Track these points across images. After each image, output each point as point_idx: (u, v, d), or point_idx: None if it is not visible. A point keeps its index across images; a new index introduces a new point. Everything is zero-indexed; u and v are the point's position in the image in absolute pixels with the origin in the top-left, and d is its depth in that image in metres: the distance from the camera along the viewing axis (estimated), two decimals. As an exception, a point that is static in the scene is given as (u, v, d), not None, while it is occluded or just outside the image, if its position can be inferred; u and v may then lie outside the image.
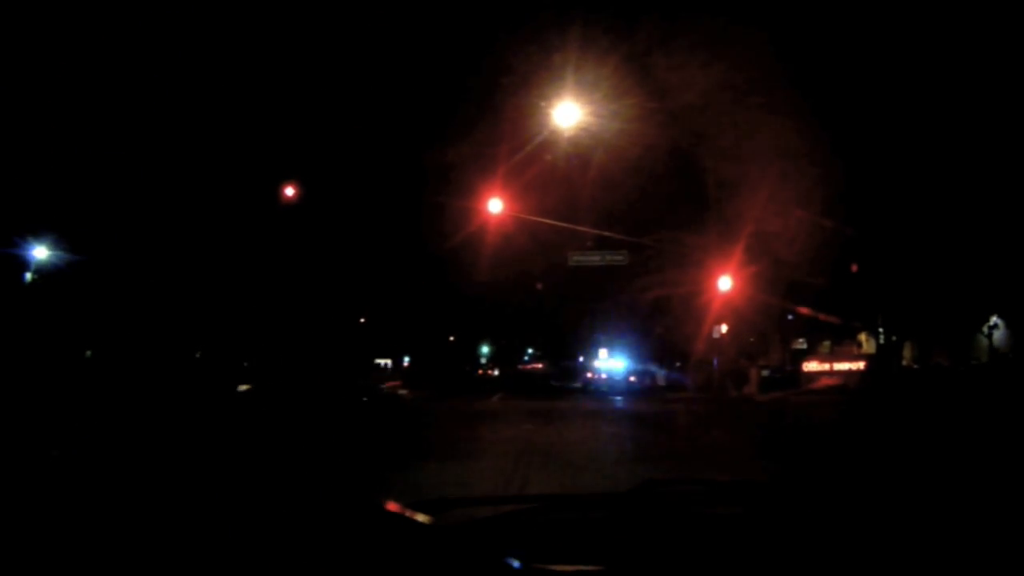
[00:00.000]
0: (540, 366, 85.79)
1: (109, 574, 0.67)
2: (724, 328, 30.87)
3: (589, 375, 49.55)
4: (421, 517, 0.97)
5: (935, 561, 1.56)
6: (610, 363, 46.56)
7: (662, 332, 36.38)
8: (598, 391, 38.22)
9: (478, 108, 25.29)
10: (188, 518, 0.78)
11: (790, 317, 32.61)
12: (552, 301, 46.24)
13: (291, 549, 0.74)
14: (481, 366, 76.84)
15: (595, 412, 20.24)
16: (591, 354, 53.92)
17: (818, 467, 7.58)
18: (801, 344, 37.26)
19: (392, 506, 0.94)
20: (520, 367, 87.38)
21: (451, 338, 63.16)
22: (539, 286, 32.65)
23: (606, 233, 25.58)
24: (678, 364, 39.06)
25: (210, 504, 0.82)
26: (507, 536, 1.67)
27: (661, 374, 40.83)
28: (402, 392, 30.64)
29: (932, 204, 23.92)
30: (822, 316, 28.40)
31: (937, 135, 22.62)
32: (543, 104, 19.97)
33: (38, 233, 24.69)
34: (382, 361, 31.89)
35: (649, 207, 25.73)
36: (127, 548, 0.68)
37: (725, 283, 26.08)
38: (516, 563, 1.05)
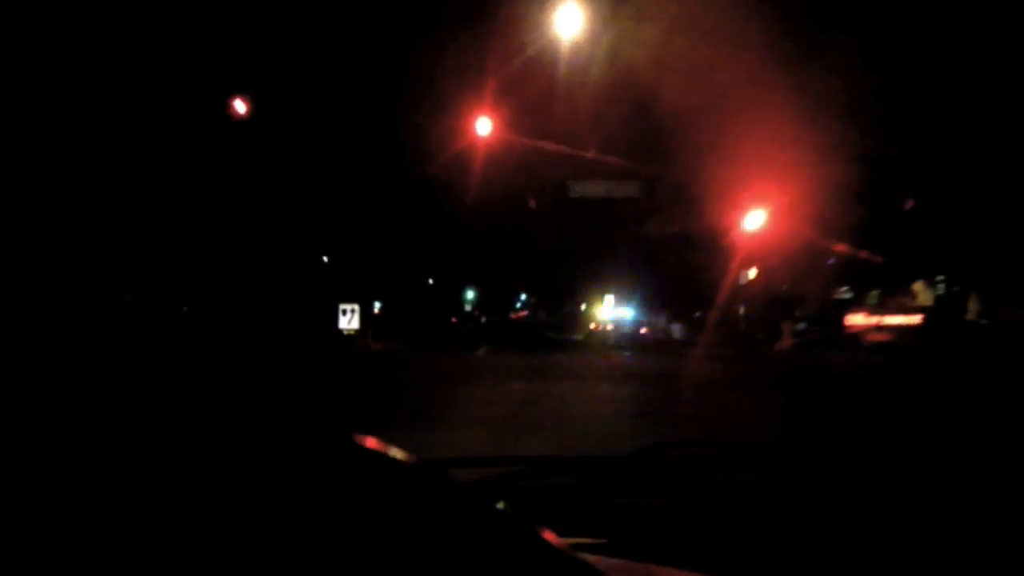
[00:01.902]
0: (535, 314, 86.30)
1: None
2: (752, 273, 30.83)
3: (592, 326, 50.00)
4: (399, 453, 0.91)
5: (954, 539, 1.65)
6: (617, 312, 46.99)
7: (678, 276, 36.43)
8: (602, 344, 38.17)
9: (466, 9, 24.63)
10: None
11: (831, 261, 32.32)
12: (550, 240, 45.95)
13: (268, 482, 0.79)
14: (464, 314, 76.93)
15: (598, 369, 20.52)
16: (594, 302, 54.29)
17: (850, 435, 7.63)
18: (845, 293, 37.06)
19: (371, 442, 0.91)
20: (511, 316, 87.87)
21: (430, 281, 62.71)
22: (532, 203, 32.16)
23: (611, 158, 25.07)
24: (697, 314, 39.09)
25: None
26: (493, 499, 1.72)
27: (676, 326, 41.05)
28: (373, 345, 30.55)
29: (999, 127, 23.36)
30: (866, 256, 27.98)
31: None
32: (540, 7, 19.46)
33: None
34: (347, 307, 31.45)
35: (665, 132, 25.15)
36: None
37: (754, 220, 25.52)
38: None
